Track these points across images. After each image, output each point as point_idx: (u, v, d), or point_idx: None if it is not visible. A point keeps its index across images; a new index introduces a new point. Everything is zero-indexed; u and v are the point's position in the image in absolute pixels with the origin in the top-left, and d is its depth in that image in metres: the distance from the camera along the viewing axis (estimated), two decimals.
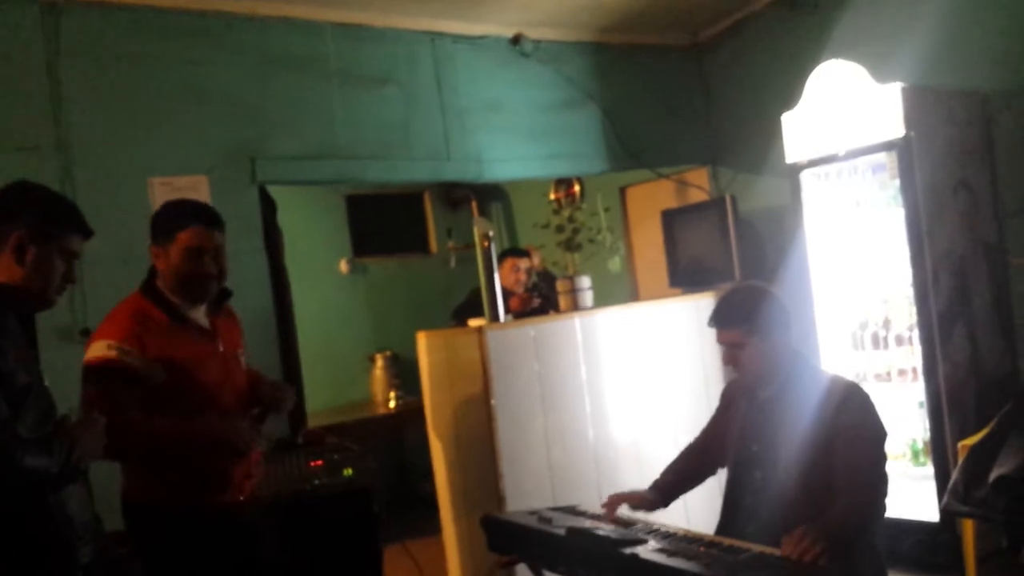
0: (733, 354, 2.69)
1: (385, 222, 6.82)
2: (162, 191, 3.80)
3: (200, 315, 2.73)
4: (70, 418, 2.17)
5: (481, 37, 4.83)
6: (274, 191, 4.35)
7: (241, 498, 2.72)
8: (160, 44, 3.93)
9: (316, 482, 2.84)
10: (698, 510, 2.93)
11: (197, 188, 3.87)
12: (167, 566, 2.62)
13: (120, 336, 2.54)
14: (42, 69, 3.69)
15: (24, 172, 2.38)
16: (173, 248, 2.61)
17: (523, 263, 5.15)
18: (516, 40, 4.90)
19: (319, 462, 2.90)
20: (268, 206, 4.25)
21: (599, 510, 2.78)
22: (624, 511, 2.78)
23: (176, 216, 2.65)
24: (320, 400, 5.80)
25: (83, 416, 2.19)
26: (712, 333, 2.75)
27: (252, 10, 4.13)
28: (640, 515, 2.77)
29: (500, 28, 4.86)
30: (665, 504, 2.88)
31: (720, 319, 2.71)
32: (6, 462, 1.94)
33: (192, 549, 2.60)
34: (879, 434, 2.59)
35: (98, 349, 2.52)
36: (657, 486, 2.92)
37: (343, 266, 6.60)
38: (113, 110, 3.82)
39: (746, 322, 2.64)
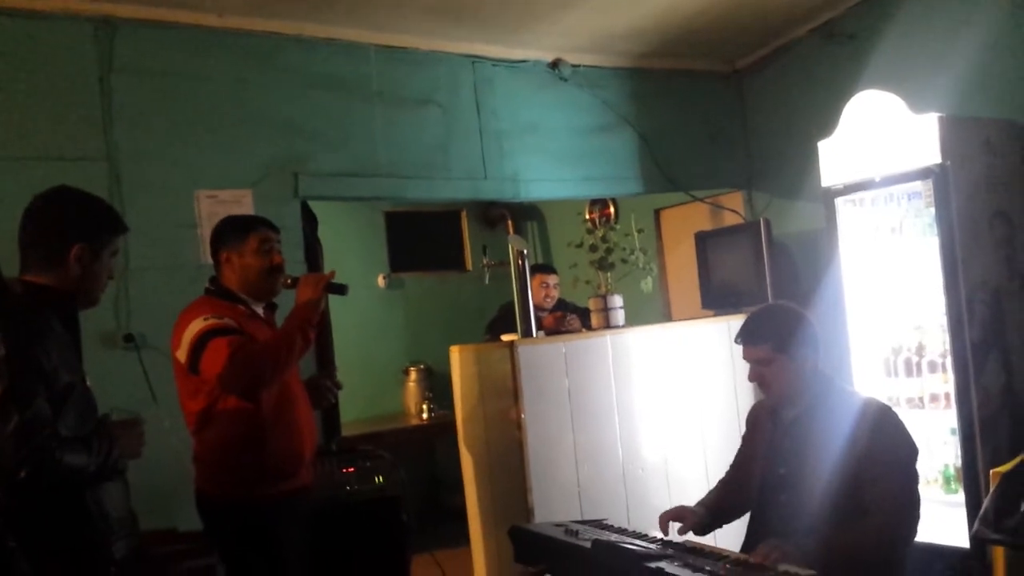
0: (759, 371, 2.68)
1: (422, 239, 6.94)
2: (208, 203, 3.91)
3: (260, 311, 2.96)
4: (110, 418, 2.23)
5: (521, 61, 4.90)
6: (315, 206, 4.44)
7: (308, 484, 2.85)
8: (209, 62, 4.03)
9: (348, 488, 2.91)
10: (724, 528, 2.93)
11: (242, 201, 3.96)
12: (244, 558, 2.78)
13: (210, 313, 2.75)
14: (95, 83, 3.78)
15: (74, 182, 2.40)
16: (246, 247, 2.86)
17: (551, 279, 5.22)
18: (555, 64, 4.97)
19: (351, 468, 2.97)
20: (309, 220, 4.34)
21: (627, 525, 2.79)
22: (674, 534, 2.71)
23: (246, 222, 2.98)
24: (354, 411, 5.89)
25: (126, 417, 2.25)
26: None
27: (299, 31, 4.23)
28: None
29: (540, 53, 4.93)
30: (712, 524, 2.85)
31: (747, 335, 2.70)
32: (46, 459, 2.00)
33: (266, 540, 2.74)
34: (912, 455, 2.59)
35: (196, 325, 2.70)
36: (704, 503, 2.91)
37: (380, 281, 6.70)
38: (162, 124, 3.91)
39: (772, 339, 2.64)
